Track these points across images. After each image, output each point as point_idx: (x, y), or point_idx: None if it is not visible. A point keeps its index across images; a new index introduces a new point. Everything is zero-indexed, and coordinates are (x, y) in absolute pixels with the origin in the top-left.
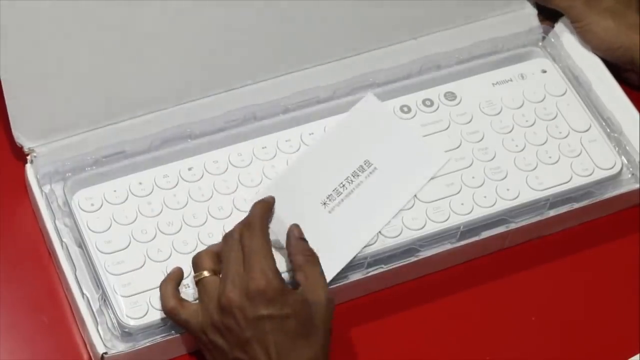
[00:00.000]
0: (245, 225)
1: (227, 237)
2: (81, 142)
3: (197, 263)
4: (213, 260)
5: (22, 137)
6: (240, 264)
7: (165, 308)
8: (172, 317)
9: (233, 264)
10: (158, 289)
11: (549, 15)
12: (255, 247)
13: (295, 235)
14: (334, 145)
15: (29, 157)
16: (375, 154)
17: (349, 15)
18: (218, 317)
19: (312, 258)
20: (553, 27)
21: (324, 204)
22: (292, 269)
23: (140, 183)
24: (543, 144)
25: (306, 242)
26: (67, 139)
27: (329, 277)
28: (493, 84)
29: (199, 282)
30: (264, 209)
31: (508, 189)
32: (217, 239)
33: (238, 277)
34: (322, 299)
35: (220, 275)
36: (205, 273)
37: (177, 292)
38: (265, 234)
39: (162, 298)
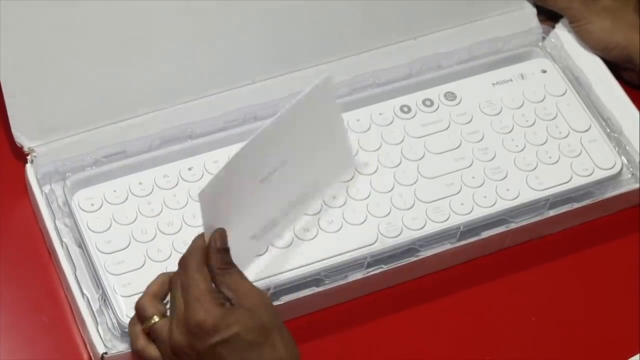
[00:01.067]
0: (179, 265)
1: (173, 278)
2: (81, 142)
3: (141, 313)
4: (154, 302)
5: (22, 136)
6: (182, 302)
7: (133, 348)
8: (140, 356)
9: (176, 304)
10: None
11: (549, 16)
12: (188, 281)
13: (215, 247)
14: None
15: (29, 157)
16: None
17: (349, 15)
18: None
19: (229, 268)
20: (553, 27)
21: (261, 181)
22: (216, 285)
23: (140, 183)
24: (543, 144)
25: (225, 252)
26: (67, 139)
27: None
28: (493, 84)
29: (150, 331)
30: (200, 245)
31: (508, 189)
32: None
33: (181, 316)
34: (258, 301)
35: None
36: (156, 318)
37: (144, 332)
38: (198, 265)
39: (130, 339)
